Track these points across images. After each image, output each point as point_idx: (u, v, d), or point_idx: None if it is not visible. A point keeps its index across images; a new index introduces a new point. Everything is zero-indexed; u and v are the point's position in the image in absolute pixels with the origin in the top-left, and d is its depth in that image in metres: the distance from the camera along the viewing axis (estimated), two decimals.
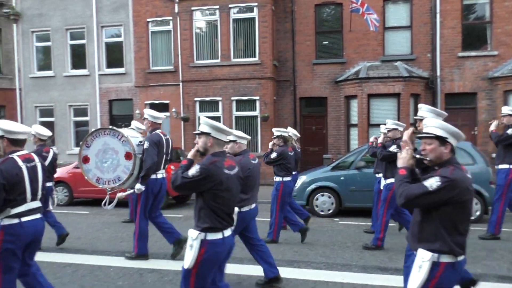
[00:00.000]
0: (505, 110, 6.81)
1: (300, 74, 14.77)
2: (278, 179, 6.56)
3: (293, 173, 7.20)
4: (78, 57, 16.55)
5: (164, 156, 5.75)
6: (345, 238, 7.02)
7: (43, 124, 16.53)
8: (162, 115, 5.94)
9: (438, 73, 13.73)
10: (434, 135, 2.70)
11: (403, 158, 2.83)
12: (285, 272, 5.11)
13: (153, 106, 15.59)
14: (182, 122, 14.79)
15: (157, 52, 15.58)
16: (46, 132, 6.26)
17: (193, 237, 3.01)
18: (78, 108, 16.58)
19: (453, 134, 2.70)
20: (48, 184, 6.02)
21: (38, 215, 3.55)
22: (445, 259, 2.56)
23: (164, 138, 5.79)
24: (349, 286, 4.77)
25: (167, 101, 15.33)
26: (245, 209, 4.39)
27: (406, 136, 3.33)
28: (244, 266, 5.42)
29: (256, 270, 5.16)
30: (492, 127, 6.85)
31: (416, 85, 13.49)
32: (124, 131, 5.86)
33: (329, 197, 8.99)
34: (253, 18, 14.07)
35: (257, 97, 14.12)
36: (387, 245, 6.43)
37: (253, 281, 4.84)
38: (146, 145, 5.46)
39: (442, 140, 2.68)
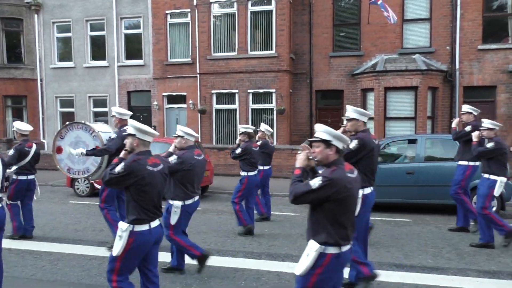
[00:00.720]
0: (464, 108, 7.07)
1: (317, 66, 14.76)
2: (243, 173, 6.94)
3: (264, 167, 7.73)
4: (98, 48, 16.81)
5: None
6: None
7: (64, 114, 17.02)
8: (129, 112, 6.25)
9: (457, 66, 13.57)
10: (320, 139, 2.97)
11: (299, 159, 3.06)
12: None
13: (170, 98, 15.82)
14: (199, 114, 14.97)
15: (175, 44, 15.72)
16: (27, 128, 6.67)
17: (123, 229, 3.38)
18: (97, 99, 16.89)
19: (336, 137, 2.96)
20: (30, 177, 6.57)
21: None
22: (331, 250, 2.84)
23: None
24: None
25: (185, 93, 15.52)
26: (188, 202, 4.78)
27: None
28: (262, 261, 5.59)
29: (276, 266, 5.35)
30: (453, 125, 7.16)
31: (434, 78, 13.38)
32: (96, 126, 6.20)
33: None
34: (271, 11, 14.07)
35: (273, 90, 14.19)
36: (402, 241, 6.54)
37: (272, 277, 5.02)
38: (113, 136, 5.84)
39: (327, 143, 2.95)
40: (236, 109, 14.66)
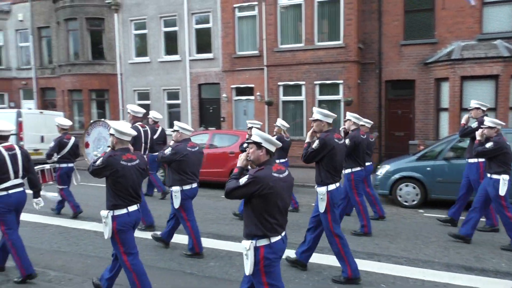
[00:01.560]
0: (472, 103, 6.88)
1: (387, 56, 14.27)
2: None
3: (280, 161, 7.89)
4: (171, 43, 17.66)
5: (143, 144, 7.16)
6: (429, 233, 6.91)
7: (140, 106, 18.14)
8: (143, 110, 7.28)
9: None
10: (252, 141, 3.32)
11: (240, 159, 3.44)
12: (364, 264, 5.30)
13: (239, 90, 16.22)
14: (266, 106, 15.21)
15: (243, 37, 16.04)
16: (67, 122, 7.68)
17: (105, 216, 4.04)
18: (171, 92, 17.79)
19: (266, 140, 3.30)
20: (70, 164, 7.65)
21: (21, 189, 4.86)
22: (262, 243, 3.19)
23: (142, 129, 7.23)
24: (430, 284, 4.81)
25: (252, 85, 15.83)
26: (186, 187, 5.52)
27: (308, 136, 4.90)
28: (325, 255, 5.68)
29: (336, 261, 5.41)
30: (463, 121, 6.98)
31: None
32: (113, 123, 6.70)
33: (414, 188, 8.82)
34: (338, 0, 13.81)
35: (341, 81, 13.99)
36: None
37: (334, 272, 5.10)
38: None
39: (258, 145, 3.29)
40: (302, 101, 14.69)
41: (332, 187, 4.81)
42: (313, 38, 14.23)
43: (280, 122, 8.26)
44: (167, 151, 5.50)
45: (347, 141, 6.41)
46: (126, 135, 4.15)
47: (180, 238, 6.29)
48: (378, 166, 9.86)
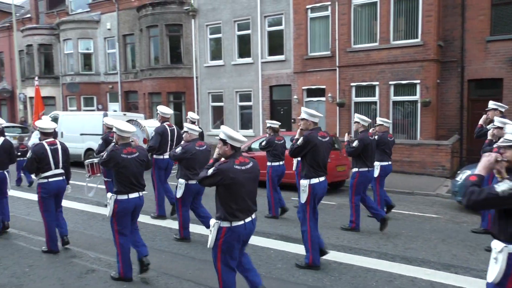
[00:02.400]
0: (490, 104, 6.82)
1: (470, 53, 13.31)
2: (268, 163, 7.87)
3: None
4: (244, 47, 18.06)
5: (169, 142, 7.64)
6: None
7: (214, 108, 18.80)
8: (170, 111, 8.02)
9: None
10: (220, 138, 3.81)
11: (215, 153, 3.90)
12: (440, 276, 5.02)
13: (310, 92, 16.14)
14: (337, 107, 14.96)
15: (315, 38, 15.92)
16: (111, 122, 8.26)
17: (109, 198, 4.77)
18: (243, 94, 18.20)
19: (230, 137, 3.74)
20: None
21: (60, 178, 5.84)
22: (224, 224, 3.70)
23: (169, 128, 7.74)
24: None
25: (323, 86, 15.65)
26: (192, 182, 6.08)
27: (298, 133, 5.45)
28: (396, 264, 5.47)
29: (411, 271, 5.19)
30: (480, 121, 7.00)
31: None
32: (144, 122, 8.69)
33: None
34: None
35: (418, 81, 13.31)
36: None
37: (405, 281, 4.90)
38: (153, 133, 7.72)
39: (224, 141, 3.77)
40: (376, 102, 14.22)
41: (314, 180, 5.18)
42: (388, 37, 13.71)
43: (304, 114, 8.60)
44: (178, 150, 6.17)
45: (355, 143, 6.74)
46: (125, 132, 4.86)
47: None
48: (458, 172, 9.24)
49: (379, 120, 8.00)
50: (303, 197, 5.17)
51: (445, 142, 12.71)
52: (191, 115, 9.65)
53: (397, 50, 13.58)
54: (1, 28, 28.56)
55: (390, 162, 7.84)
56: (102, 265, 5.33)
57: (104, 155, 4.80)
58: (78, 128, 14.48)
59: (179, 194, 6.21)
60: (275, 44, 17.19)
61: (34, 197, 8.47)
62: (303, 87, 16.19)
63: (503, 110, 6.82)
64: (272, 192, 7.83)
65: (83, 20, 23.30)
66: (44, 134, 5.84)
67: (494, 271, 2.79)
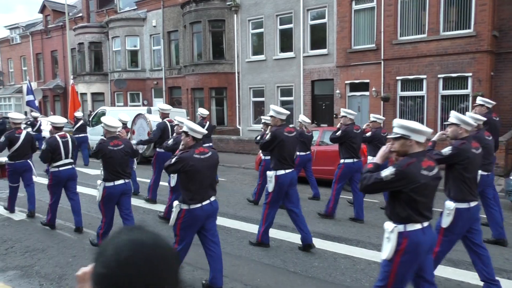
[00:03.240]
0: (477, 100, 6.98)
1: None
2: (263, 157, 8.48)
3: (300, 153, 8.60)
4: (285, 41, 17.87)
5: (170, 137, 7.76)
6: None
7: (255, 103, 18.77)
8: (169, 107, 8.77)
9: None
10: (183, 130, 4.39)
11: (180, 145, 4.49)
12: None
13: (353, 86, 15.71)
14: (381, 101, 14.46)
15: (359, 30, 15.45)
16: (167, 107, 8.92)
17: (99, 184, 5.48)
18: (284, 88, 18.03)
19: (191, 129, 4.31)
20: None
21: (70, 166, 6.63)
22: (184, 206, 4.27)
23: (169, 124, 8.27)
24: None
25: (367, 80, 15.18)
26: None
27: (268, 129, 6.15)
28: (441, 267, 5.17)
29: (456, 274, 4.89)
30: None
31: None
32: (150, 116, 10.18)
33: None
34: None
35: (469, 74, 12.58)
36: None
37: (452, 285, 4.61)
38: (154, 128, 8.58)
39: (186, 133, 4.33)
40: (423, 96, 13.61)
41: (280, 172, 5.65)
42: (438, 28, 13.05)
43: (301, 118, 9.05)
44: (170, 141, 6.89)
45: (339, 132, 7.31)
46: (113, 128, 5.56)
47: (285, 236, 6.34)
48: None
49: (372, 117, 8.57)
50: (270, 187, 5.70)
51: (500, 138, 11.94)
52: (201, 111, 10.56)
53: (447, 41, 12.90)
54: (55, 28, 30.03)
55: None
56: None
57: (95, 148, 5.53)
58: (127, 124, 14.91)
59: (173, 183, 6.83)
60: (318, 37, 16.87)
61: (83, 189, 8.96)
62: (346, 82, 15.78)
63: (490, 106, 6.89)
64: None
65: (130, 18, 23.99)
66: (56, 128, 6.59)
67: (387, 249, 3.15)
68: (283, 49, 17.94)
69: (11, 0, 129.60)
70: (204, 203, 4.29)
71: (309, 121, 9.13)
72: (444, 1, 12.96)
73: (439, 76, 13.17)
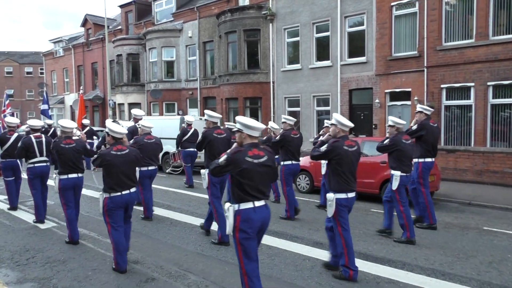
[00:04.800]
0: (417, 107, 7.68)
1: None
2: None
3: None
4: (322, 49, 17.36)
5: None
6: None
7: (290, 113, 18.30)
8: (143, 112, 9.65)
9: None
10: (105, 131, 5.35)
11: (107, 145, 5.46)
12: None
13: (393, 95, 14.95)
14: None
15: (400, 37, 14.72)
16: (191, 119, 11.36)
17: (53, 177, 6.35)
18: (320, 98, 17.46)
19: (110, 130, 5.20)
20: (191, 149, 11.28)
21: (44, 164, 7.43)
22: (105, 195, 5.08)
23: (191, 131, 11.45)
24: None
25: (409, 89, 14.37)
26: (143, 168, 7.62)
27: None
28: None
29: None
30: (411, 124, 7.54)
31: None
32: (124, 123, 9.61)
33: None
34: None
35: None
36: None
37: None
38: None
39: (107, 133, 5.27)
40: (471, 105, 12.68)
41: None
42: (487, 32, 12.17)
43: (270, 124, 9.62)
44: (131, 142, 7.55)
45: (278, 137, 8.20)
46: (67, 128, 6.29)
47: (320, 254, 5.78)
48: None
49: (326, 123, 9.36)
50: (204, 184, 6.26)
51: None
52: (187, 118, 12.11)
53: (498, 46, 11.98)
54: (95, 40, 30.93)
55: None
56: (163, 274, 5.03)
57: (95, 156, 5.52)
58: (157, 132, 14.81)
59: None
60: (356, 45, 16.25)
61: (87, 192, 8.81)
62: (386, 90, 15.03)
63: (428, 113, 7.41)
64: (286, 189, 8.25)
65: (167, 29, 24.24)
66: (33, 130, 7.54)
67: (228, 225, 3.72)
68: (319, 58, 17.42)
69: (59, 18, 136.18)
70: (123, 192, 5.08)
71: (277, 127, 9.58)
72: (494, 4, 12.09)
73: (488, 83, 12.23)
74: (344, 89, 16.47)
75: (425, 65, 13.59)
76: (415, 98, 13.98)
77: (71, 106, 31.58)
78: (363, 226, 7.46)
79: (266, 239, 6.46)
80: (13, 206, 8.47)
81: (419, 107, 7.51)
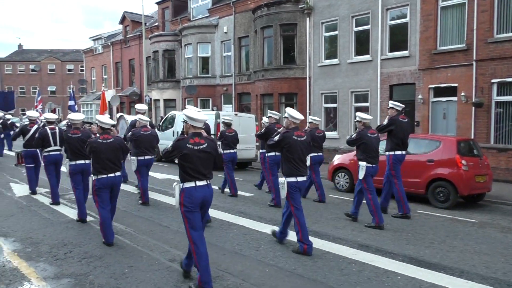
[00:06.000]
0: (389, 104, 8.27)
1: None
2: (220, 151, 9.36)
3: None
4: (361, 44, 16.74)
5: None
6: None
7: (327, 109, 17.83)
8: (146, 107, 9.57)
9: None
10: (96, 122, 6.65)
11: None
12: None
13: (438, 90, 14.19)
14: (473, 108, 12.81)
15: (446, 29, 13.93)
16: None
17: (65, 163, 7.36)
18: (359, 94, 16.86)
19: (99, 121, 6.12)
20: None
21: (58, 152, 8.27)
22: (93, 177, 5.88)
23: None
24: None
25: (455, 84, 13.58)
26: (140, 157, 8.35)
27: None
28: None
29: None
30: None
31: None
32: (128, 117, 10.75)
33: None
34: None
35: None
36: None
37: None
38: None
39: (96, 124, 6.62)
40: None
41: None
42: None
43: (310, 117, 9.80)
44: (129, 134, 8.51)
45: (263, 130, 9.06)
46: (76, 120, 7.21)
47: (368, 258, 5.38)
48: None
49: (309, 118, 9.69)
50: (282, 193, 6.49)
51: None
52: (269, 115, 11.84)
53: None
54: (133, 37, 31.39)
55: (319, 153, 9.23)
56: None
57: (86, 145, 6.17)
58: None
59: (134, 167, 8.40)
60: (397, 39, 15.55)
61: (153, 195, 8.78)
62: (430, 86, 14.28)
63: (399, 108, 7.81)
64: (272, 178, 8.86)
65: (203, 25, 24.21)
66: (49, 123, 8.42)
67: (175, 200, 4.35)
68: (358, 52, 16.81)
69: (99, 17, 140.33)
70: (109, 175, 5.81)
71: (318, 119, 9.87)
72: None
73: None
74: (384, 85, 15.81)
75: (474, 58, 12.78)
76: (462, 93, 13.20)
77: (109, 102, 32.27)
78: (411, 229, 6.98)
79: None
80: (33, 190, 9.33)
81: (390, 104, 7.99)
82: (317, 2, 18.07)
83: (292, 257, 5.41)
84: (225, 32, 23.25)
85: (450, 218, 7.88)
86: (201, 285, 4.15)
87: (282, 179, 5.53)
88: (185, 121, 4.42)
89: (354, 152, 10.97)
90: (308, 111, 18.51)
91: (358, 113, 7.49)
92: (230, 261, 5.20)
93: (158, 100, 27.10)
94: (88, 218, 7.23)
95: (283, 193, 5.52)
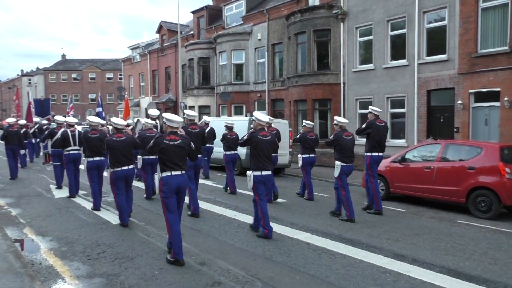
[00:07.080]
0: (369, 108, 9.06)
1: None
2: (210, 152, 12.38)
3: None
4: (397, 48, 16.35)
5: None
6: None
7: (361, 115, 17.47)
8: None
9: None
10: (110, 124, 8.40)
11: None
12: None
13: (479, 95, 13.61)
14: None
15: (488, 32, 13.37)
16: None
17: (83, 160, 8.49)
18: (395, 100, 16.42)
19: (113, 123, 7.25)
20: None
21: (77, 151, 9.45)
22: (110, 170, 7.06)
23: (207, 129, 11.48)
24: None
25: (498, 89, 12.97)
26: (145, 157, 9.16)
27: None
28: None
29: None
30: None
31: None
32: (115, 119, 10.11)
33: None
34: None
35: None
36: None
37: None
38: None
39: (111, 125, 7.70)
40: None
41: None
42: None
43: (337, 118, 9.20)
44: (137, 135, 9.24)
45: (246, 136, 9.15)
46: (94, 123, 8.15)
47: (401, 268, 5.16)
48: None
49: (304, 122, 10.44)
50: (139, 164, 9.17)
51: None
52: (205, 118, 12.77)
53: None
54: (169, 46, 32.11)
55: (312, 155, 9.94)
56: (230, 278, 4.74)
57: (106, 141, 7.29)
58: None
59: (139, 165, 9.28)
60: (435, 42, 15.06)
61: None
62: (470, 91, 13.71)
63: (377, 113, 8.55)
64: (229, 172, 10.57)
65: (237, 33, 24.44)
66: (69, 125, 9.54)
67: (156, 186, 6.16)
68: (394, 57, 16.42)
69: (139, 28, 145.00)
70: (123, 168, 6.96)
71: (346, 121, 9.20)
72: None
73: None
74: (421, 90, 15.34)
75: None
76: (505, 98, 12.59)
77: (145, 108, 33.07)
78: (450, 239, 6.66)
79: (339, 247, 5.98)
80: (59, 185, 10.71)
81: (369, 108, 8.69)
82: (351, 7, 17.84)
83: (324, 264, 5.27)
84: (259, 39, 23.36)
85: (492, 229, 7.48)
86: (173, 256, 5.12)
87: (249, 173, 6.46)
88: (164, 123, 5.46)
89: (391, 159, 10.74)
90: (342, 117, 18.19)
91: (335, 117, 8.42)
92: (261, 267, 5.13)
93: (193, 106, 27.51)
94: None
95: (250, 184, 6.44)
